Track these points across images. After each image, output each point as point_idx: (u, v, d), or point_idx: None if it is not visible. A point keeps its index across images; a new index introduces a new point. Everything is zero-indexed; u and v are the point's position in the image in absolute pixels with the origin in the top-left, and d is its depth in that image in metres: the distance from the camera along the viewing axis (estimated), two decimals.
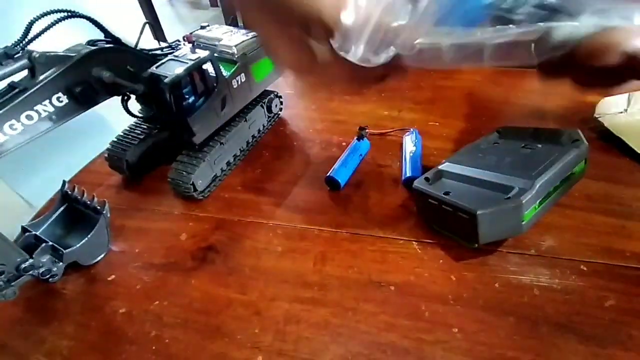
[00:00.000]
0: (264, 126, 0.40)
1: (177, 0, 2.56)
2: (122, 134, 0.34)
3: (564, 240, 0.27)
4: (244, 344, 0.23)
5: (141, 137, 0.33)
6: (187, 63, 0.28)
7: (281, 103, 0.42)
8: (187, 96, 0.28)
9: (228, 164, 0.35)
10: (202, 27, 0.38)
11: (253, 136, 0.38)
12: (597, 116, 0.38)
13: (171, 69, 0.27)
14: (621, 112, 0.39)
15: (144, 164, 0.34)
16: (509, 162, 0.29)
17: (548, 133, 0.32)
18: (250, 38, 0.35)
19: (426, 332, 0.23)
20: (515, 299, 0.24)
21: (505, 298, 0.24)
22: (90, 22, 0.24)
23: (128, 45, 0.27)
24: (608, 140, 0.36)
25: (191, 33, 0.35)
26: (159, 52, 0.30)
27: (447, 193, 0.26)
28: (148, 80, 0.27)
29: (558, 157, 0.27)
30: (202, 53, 0.29)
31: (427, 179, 0.29)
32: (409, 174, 0.31)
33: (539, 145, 0.30)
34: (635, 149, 0.35)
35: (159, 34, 1.46)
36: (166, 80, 0.26)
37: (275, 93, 0.41)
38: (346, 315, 0.24)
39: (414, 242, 0.28)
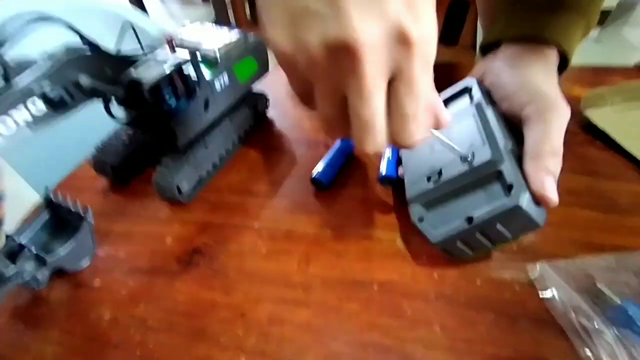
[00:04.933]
0: (250, 126, 0.40)
1: None
2: (107, 138, 0.34)
3: (545, 236, 0.28)
4: (227, 346, 0.23)
5: (126, 140, 0.33)
6: (166, 65, 0.27)
7: (267, 103, 0.42)
8: (168, 99, 0.28)
9: (214, 165, 0.35)
10: (184, 27, 0.38)
11: (239, 137, 0.38)
12: (582, 109, 0.39)
13: (151, 72, 0.27)
14: (606, 106, 0.39)
15: (129, 167, 0.34)
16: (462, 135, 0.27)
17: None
18: (234, 38, 0.35)
19: (408, 330, 0.23)
20: (496, 295, 0.25)
21: (486, 294, 0.25)
22: (65, 26, 0.24)
23: (106, 49, 0.26)
24: (593, 134, 0.37)
25: (170, 34, 0.35)
26: (139, 53, 0.30)
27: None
28: (127, 84, 0.27)
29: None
30: (183, 55, 0.29)
31: (420, 218, 0.26)
32: (384, 173, 0.32)
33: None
34: (619, 142, 0.35)
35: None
36: (145, 83, 0.26)
37: (261, 93, 0.41)
38: (329, 316, 0.24)
39: (397, 240, 0.28)
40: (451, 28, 1.40)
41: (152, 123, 0.29)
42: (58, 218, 0.29)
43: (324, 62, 0.15)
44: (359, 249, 0.28)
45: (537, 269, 0.25)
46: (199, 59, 0.33)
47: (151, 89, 0.26)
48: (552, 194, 0.22)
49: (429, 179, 0.27)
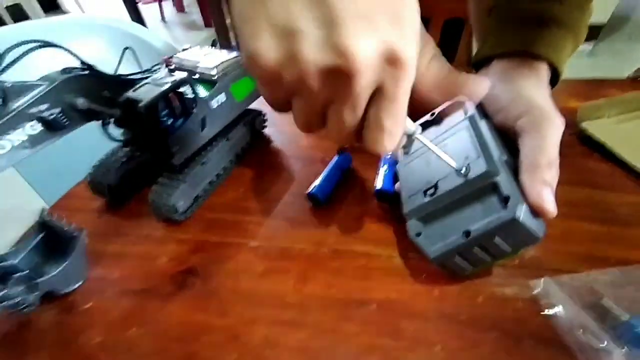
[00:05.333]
0: (247, 144, 0.40)
1: (172, 21, 2.63)
2: (104, 157, 0.34)
3: (547, 250, 0.27)
4: None
5: (123, 160, 0.34)
6: (163, 86, 0.28)
7: (264, 120, 0.42)
8: (164, 119, 0.28)
9: (210, 183, 0.35)
10: (184, 50, 0.39)
11: (236, 154, 0.38)
12: (579, 121, 0.39)
13: (147, 93, 0.27)
14: (602, 118, 0.39)
15: (126, 187, 0.34)
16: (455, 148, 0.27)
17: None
18: (231, 58, 0.35)
19: (408, 351, 0.22)
20: (499, 313, 0.24)
21: (488, 312, 0.24)
22: (63, 50, 0.25)
23: (102, 72, 0.27)
24: (590, 146, 0.36)
25: (171, 56, 0.36)
26: (137, 76, 0.30)
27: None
28: (124, 105, 0.27)
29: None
30: (179, 75, 0.29)
31: (418, 233, 0.26)
32: (379, 186, 0.31)
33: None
34: (618, 155, 0.35)
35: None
36: (141, 104, 0.26)
37: (259, 110, 0.41)
38: (326, 337, 0.23)
39: (396, 257, 0.28)
40: (447, 46, 1.44)
41: (149, 142, 0.30)
42: (52, 239, 0.28)
43: (316, 81, 0.16)
44: (356, 266, 0.27)
45: (540, 285, 0.25)
46: (197, 78, 0.34)
47: (147, 108, 0.26)
48: (550, 205, 0.21)
49: (425, 192, 0.27)
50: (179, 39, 2.43)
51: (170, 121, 0.29)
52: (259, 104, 0.45)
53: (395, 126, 0.18)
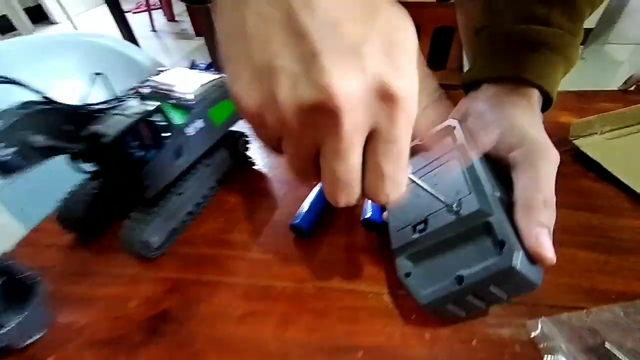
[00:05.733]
0: (229, 168, 0.38)
1: (162, 31, 2.61)
2: (74, 189, 0.32)
3: (544, 283, 0.25)
4: None
5: (94, 192, 0.31)
6: (131, 117, 0.26)
7: (247, 142, 0.40)
8: (134, 151, 0.26)
9: (189, 214, 0.33)
10: (160, 72, 0.37)
11: (217, 180, 0.37)
12: (571, 138, 0.38)
13: (114, 125, 0.25)
14: (595, 134, 0.38)
15: (97, 221, 0.32)
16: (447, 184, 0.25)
17: None
18: (210, 81, 0.34)
19: None
20: (495, 357, 0.22)
21: (483, 357, 0.22)
22: (27, 89, 0.23)
23: (65, 104, 0.25)
24: (585, 165, 0.35)
25: (145, 80, 0.34)
26: (105, 105, 0.28)
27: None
28: (89, 139, 0.25)
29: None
30: (150, 104, 0.27)
31: (407, 274, 0.24)
32: (368, 214, 0.30)
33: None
34: (614, 174, 0.33)
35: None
36: (106, 139, 0.24)
37: (241, 132, 0.39)
38: None
39: (384, 295, 0.26)
40: (437, 53, 1.44)
41: (118, 176, 0.28)
42: (12, 285, 0.26)
43: (296, 122, 0.14)
44: (342, 306, 0.26)
45: (538, 326, 0.23)
46: (173, 104, 0.32)
47: (113, 142, 0.24)
48: (548, 252, 0.20)
49: (414, 228, 0.25)
50: (169, 48, 2.42)
51: (140, 153, 0.27)
52: (240, 126, 0.43)
53: (398, 172, 0.16)
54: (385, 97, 0.14)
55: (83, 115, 0.26)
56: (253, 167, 0.40)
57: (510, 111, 0.26)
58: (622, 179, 0.32)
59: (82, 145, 0.25)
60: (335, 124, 0.14)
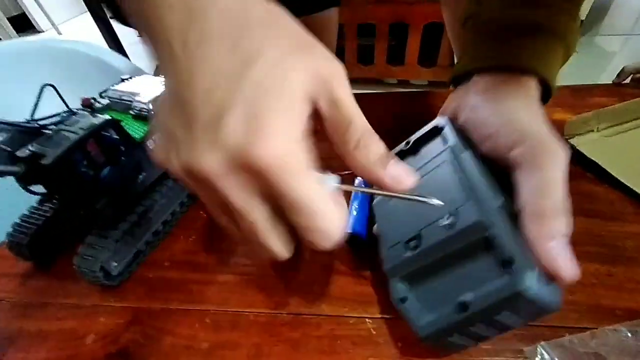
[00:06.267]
0: None
1: None
2: (26, 213, 0.29)
3: None
4: None
5: (46, 215, 0.29)
6: (77, 133, 0.23)
7: None
8: (82, 170, 0.24)
9: (155, 234, 0.30)
10: (123, 80, 0.34)
11: (188, 195, 0.34)
12: (566, 137, 0.35)
13: (57, 144, 0.23)
14: (591, 132, 0.36)
15: (52, 246, 0.29)
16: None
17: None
18: None
19: None
20: None
21: None
22: None
23: (5, 122, 0.22)
24: (583, 165, 0.33)
25: (104, 91, 0.31)
26: (51, 120, 0.26)
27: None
28: (27, 160, 0.22)
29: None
30: (100, 119, 0.25)
31: (403, 299, 0.21)
32: (348, 229, 0.27)
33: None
34: (613, 174, 0.31)
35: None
36: (47, 161, 0.21)
37: None
38: None
39: (367, 320, 0.24)
40: (428, 50, 1.42)
41: (68, 198, 0.25)
42: None
43: (188, 181, 0.15)
44: (320, 335, 0.23)
45: (537, 353, 0.20)
46: (133, 115, 0.29)
47: (55, 163, 0.22)
48: (567, 268, 0.16)
49: (407, 244, 0.22)
50: None
51: (90, 173, 0.24)
52: None
53: (312, 221, 0.15)
54: (248, 166, 0.14)
55: (27, 132, 0.24)
56: None
57: (508, 103, 0.23)
58: (623, 181, 0.30)
59: (21, 167, 0.22)
60: (215, 188, 0.14)
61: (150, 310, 0.26)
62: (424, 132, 0.27)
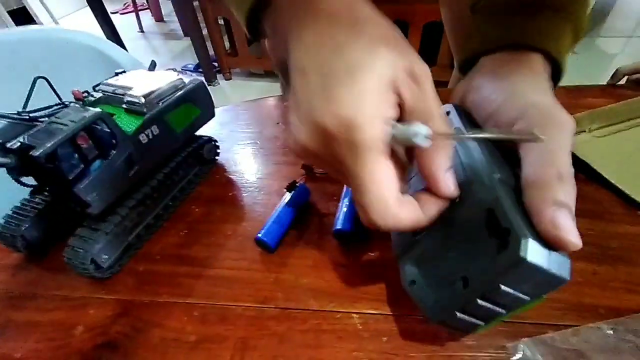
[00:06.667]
0: (195, 176, 0.36)
1: (150, 32, 2.56)
2: (18, 204, 0.29)
3: None
4: None
5: (40, 207, 0.29)
6: (68, 126, 0.23)
7: (216, 148, 0.38)
8: (73, 163, 0.24)
9: (147, 227, 0.30)
10: (117, 74, 0.34)
11: (182, 189, 0.34)
12: None
13: (47, 137, 0.23)
14: (583, 132, 0.36)
15: (44, 238, 0.30)
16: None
17: None
18: (168, 83, 0.31)
19: None
20: None
21: None
22: None
23: None
24: (573, 164, 0.33)
25: (98, 84, 0.31)
26: (43, 113, 0.26)
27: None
28: (19, 153, 0.22)
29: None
30: (91, 112, 0.25)
31: (412, 282, 0.21)
32: (339, 225, 0.27)
33: None
34: (603, 174, 0.31)
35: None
36: (37, 153, 0.21)
37: (208, 137, 0.37)
38: None
39: (354, 315, 0.24)
40: (428, 49, 1.41)
41: (59, 191, 0.25)
42: None
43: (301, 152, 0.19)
44: (306, 329, 0.23)
45: (519, 350, 0.21)
46: (125, 109, 0.30)
47: (45, 155, 0.22)
48: (570, 233, 0.16)
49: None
50: (157, 49, 2.37)
51: (80, 166, 0.24)
52: (212, 129, 0.41)
53: (366, 203, 0.17)
54: (320, 132, 0.17)
55: (19, 123, 0.24)
56: (223, 174, 0.37)
57: (511, 79, 0.22)
58: (613, 182, 0.30)
59: (12, 158, 0.22)
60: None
61: (140, 302, 0.26)
62: None
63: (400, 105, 0.17)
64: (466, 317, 0.18)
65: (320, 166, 0.19)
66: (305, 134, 0.17)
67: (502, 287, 0.16)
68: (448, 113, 0.25)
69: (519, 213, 0.16)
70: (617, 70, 0.45)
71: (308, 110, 0.17)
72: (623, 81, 0.45)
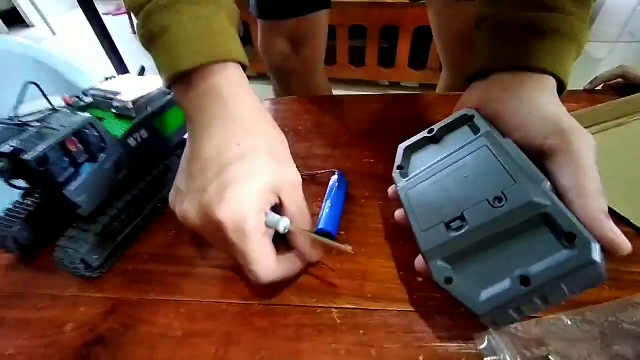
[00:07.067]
0: None
1: None
2: (10, 207, 0.30)
3: None
4: None
5: (31, 209, 0.30)
6: (59, 131, 0.24)
7: None
8: (63, 167, 0.25)
9: (136, 228, 0.31)
10: (107, 79, 0.35)
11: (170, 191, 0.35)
12: None
13: (38, 141, 0.24)
14: None
15: (35, 239, 0.30)
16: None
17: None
18: (157, 89, 0.32)
19: None
20: None
21: None
22: None
23: None
24: None
25: (88, 89, 0.32)
26: (34, 117, 0.27)
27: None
28: (11, 156, 0.23)
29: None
30: (80, 117, 0.26)
31: (448, 279, 0.21)
32: (322, 225, 0.29)
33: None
34: None
35: (121, 70, 1.43)
36: (28, 157, 0.22)
37: None
38: None
39: (333, 310, 0.25)
40: (418, 53, 1.44)
41: (49, 193, 0.26)
42: None
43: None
44: (288, 323, 0.24)
45: (485, 340, 0.22)
46: (114, 113, 0.31)
47: (35, 159, 0.23)
48: (625, 240, 0.19)
49: (448, 226, 0.23)
50: None
51: (70, 169, 0.25)
52: None
53: (248, 265, 0.22)
54: (213, 221, 0.21)
55: (9, 129, 0.25)
56: None
57: (534, 97, 0.25)
58: None
59: (3, 162, 0.23)
60: (198, 231, 0.24)
61: (128, 301, 0.27)
62: (450, 120, 0.29)
63: (280, 202, 0.24)
64: (515, 314, 0.20)
65: (207, 238, 0.24)
66: (197, 219, 0.22)
67: (562, 285, 0.18)
68: (472, 117, 0.27)
69: (577, 221, 0.19)
70: (596, 77, 0.47)
71: (205, 203, 0.22)
72: (600, 87, 0.47)
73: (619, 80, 0.45)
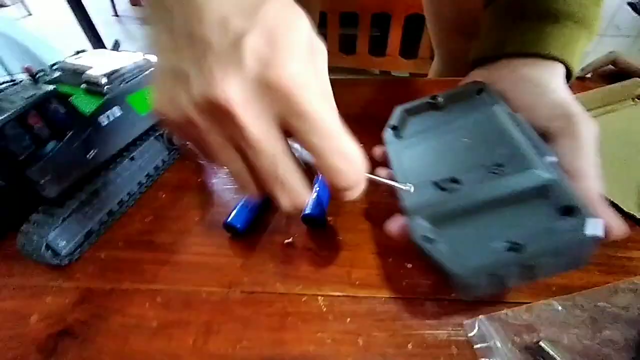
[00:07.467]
0: (163, 162, 0.35)
1: (125, 16, 2.44)
2: None
3: None
4: None
5: None
6: (17, 104, 0.22)
7: None
8: (22, 144, 0.23)
9: (110, 213, 0.29)
10: (78, 53, 0.33)
11: (148, 175, 0.33)
12: None
13: None
14: None
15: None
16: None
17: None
18: (131, 63, 0.30)
19: None
20: None
21: None
22: None
23: None
24: None
25: (55, 63, 0.30)
26: None
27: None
28: None
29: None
30: (42, 89, 0.23)
31: (427, 238, 0.20)
32: (308, 210, 0.27)
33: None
34: None
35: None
36: None
37: None
38: None
39: (319, 298, 0.24)
40: (409, 41, 1.42)
41: (10, 174, 0.24)
42: None
43: (202, 122, 0.15)
44: (271, 312, 0.23)
45: (475, 326, 0.21)
46: (84, 89, 0.28)
47: None
48: (620, 222, 0.19)
49: (438, 185, 0.22)
50: (133, 34, 2.27)
51: (31, 147, 0.23)
52: None
53: (333, 142, 0.15)
54: (270, 86, 0.14)
55: None
56: (194, 159, 0.36)
57: (545, 81, 0.25)
58: None
59: None
60: (233, 119, 0.14)
61: (100, 290, 0.25)
62: (456, 90, 0.28)
63: None
64: (492, 282, 0.19)
65: (215, 142, 0.16)
66: (232, 85, 0.14)
67: (552, 257, 0.18)
68: (481, 90, 0.27)
69: (578, 197, 0.18)
70: (588, 64, 0.46)
71: (234, 70, 0.14)
72: (589, 75, 0.47)
73: (610, 67, 0.45)
